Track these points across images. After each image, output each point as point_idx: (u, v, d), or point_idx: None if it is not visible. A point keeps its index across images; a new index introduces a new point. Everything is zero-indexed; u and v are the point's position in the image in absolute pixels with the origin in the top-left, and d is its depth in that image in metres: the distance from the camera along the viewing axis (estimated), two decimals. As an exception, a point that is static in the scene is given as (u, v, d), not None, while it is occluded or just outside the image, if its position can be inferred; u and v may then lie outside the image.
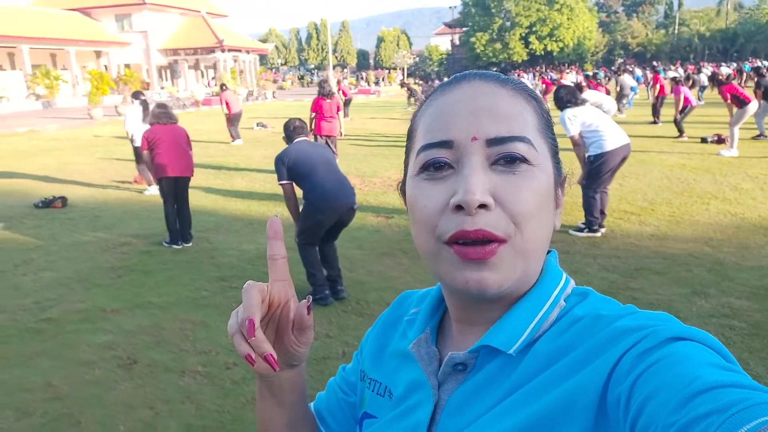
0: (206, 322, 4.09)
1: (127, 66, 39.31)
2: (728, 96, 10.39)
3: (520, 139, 0.56)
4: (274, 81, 50.78)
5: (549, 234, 0.60)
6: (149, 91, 33.52)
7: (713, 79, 10.69)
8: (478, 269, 0.55)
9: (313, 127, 9.56)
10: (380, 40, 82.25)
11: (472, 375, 0.60)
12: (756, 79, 13.35)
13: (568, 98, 5.58)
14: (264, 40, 74.55)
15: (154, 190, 8.20)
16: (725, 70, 21.73)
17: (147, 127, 8.20)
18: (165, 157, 5.76)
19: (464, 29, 71.20)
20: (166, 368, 3.46)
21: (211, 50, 41.99)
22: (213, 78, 38.53)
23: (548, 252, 0.64)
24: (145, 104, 8.35)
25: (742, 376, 0.43)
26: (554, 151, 0.62)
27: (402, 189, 0.66)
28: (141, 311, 4.31)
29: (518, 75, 28.82)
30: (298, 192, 4.28)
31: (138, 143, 8.17)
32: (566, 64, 58.64)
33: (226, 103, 14.07)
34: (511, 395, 0.55)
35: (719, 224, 6.07)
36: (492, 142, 0.56)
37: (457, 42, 76.46)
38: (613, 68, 35.03)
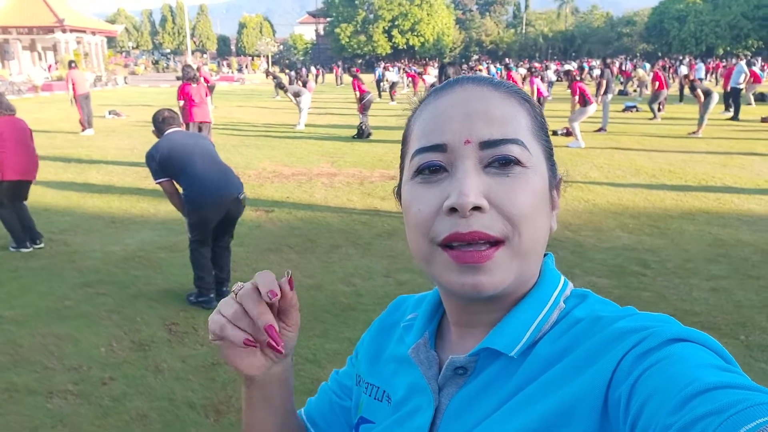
0: (73, 334, 3.67)
1: (-56, 43, 34.10)
2: (577, 92, 11.41)
3: (513, 142, 0.57)
4: (126, 66, 47.02)
5: (546, 235, 0.60)
6: (-26, 73, 29.46)
7: (567, 74, 11.72)
8: (473, 273, 0.55)
9: (184, 115, 8.98)
10: (242, 26, 79.41)
11: (473, 378, 0.60)
12: (685, 83, 14.89)
13: None
14: (112, 21, 68.51)
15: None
16: (568, 67, 24.04)
17: None
18: (10, 156, 5.03)
19: (328, 19, 71.14)
20: (30, 390, 3.05)
21: (50, 30, 37.70)
22: (56, 63, 34.65)
23: (545, 255, 0.65)
24: None
25: (741, 377, 0.45)
26: (549, 154, 0.63)
27: (398, 194, 0.66)
28: (-10, 327, 3.76)
29: (384, 68, 29.38)
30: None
31: None
32: (427, 59, 60.96)
33: (72, 83, 12.76)
34: (512, 398, 0.55)
35: (576, 210, 6.67)
36: (485, 144, 0.56)
37: (321, 32, 76.22)
38: (470, 64, 37.21)
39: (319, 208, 6.73)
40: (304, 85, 17.36)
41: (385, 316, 0.79)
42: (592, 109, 11.36)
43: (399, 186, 0.65)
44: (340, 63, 48.77)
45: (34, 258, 5.09)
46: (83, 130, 13.06)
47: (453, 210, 0.54)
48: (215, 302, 4.10)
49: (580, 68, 29.71)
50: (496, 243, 0.55)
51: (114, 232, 5.83)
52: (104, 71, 38.54)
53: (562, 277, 0.64)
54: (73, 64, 13.55)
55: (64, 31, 37.67)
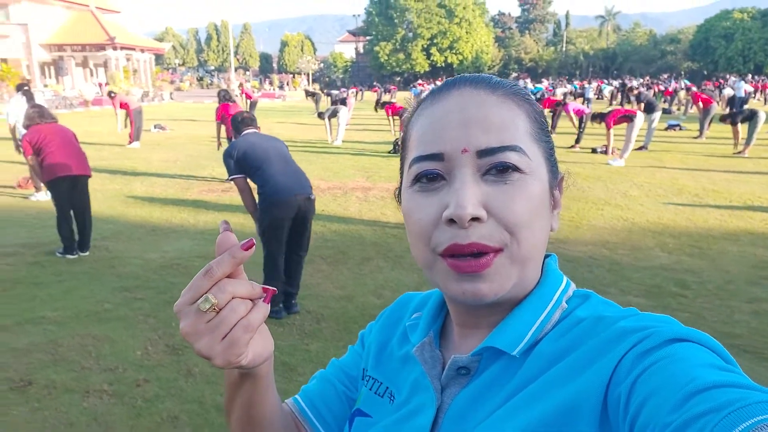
0: (111, 336, 3.79)
1: (4, 61, 35.92)
2: (613, 122, 11.17)
3: (511, 149, 0.56)
4: (172, 82, 48.62)
5: (545, 238, 0.60)
6: (31, 88, 30.86)
7: (596, 117, 11.40)
8: (472, 281, 0.55)
9: (226, 131, 9.24)
10: (284, 44, 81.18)
11: (475, 378, 0.60)
12: (632, 95, 14.60)
13: None
14: (160, 39, 71.14)
15: (42, 196, 7.53)
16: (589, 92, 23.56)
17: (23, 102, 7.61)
18: (58, 155, 5.26)
19: (368, 38, 72.09)
20: (67, 389, 3.15)
21: (101, 47, 39.36)
22: (106, 84, 36.03)
23: (548, 256, 0.65)
24: (29, 95, 7.81)
25: (740, 377, 0.45)
26: (549, 154, 0.62)
27: (398, 196, 0.66)
28: (33, 327, 3.91)
29: (421, 85, 29.56)
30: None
31: (12, 120, 7.62)
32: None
33: (122, 104, 13.39)
34: (514, 397, 0.56)
35: (614, 228, 6.53)
36: (482, 153, 0.56)
37: (361, 50, 77.24)
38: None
39: (353, 221, 6.79)
40: (343, 103, 17.62)
41: (392, 309, 0.79)
42: (640, 118, 11.10)
43: (399, 189, 0.66)
44: (376, 83, 48.78)
45: (78, 263, 5.28)
46: (130, 143, 13.54)
47: (452, 221, 0.54)
48: (284, 313, 4.15)
49: (622, 86, 29.20)
50: (493, 251, 0.55)
51: (154, 240, 6.00)
52: (151, 87, 39.94)
53: (565, 278, 0.65)
54: (113, 94, 14.41)
55: (114, 48, 39.26)
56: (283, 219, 3.99)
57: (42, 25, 38.61)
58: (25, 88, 8.11)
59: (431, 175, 0.57)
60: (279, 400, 0.71)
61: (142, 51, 43.50)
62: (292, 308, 4.22)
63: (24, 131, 6.86)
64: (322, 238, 6.05)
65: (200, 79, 63.74)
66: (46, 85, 35.70)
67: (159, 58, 64.37)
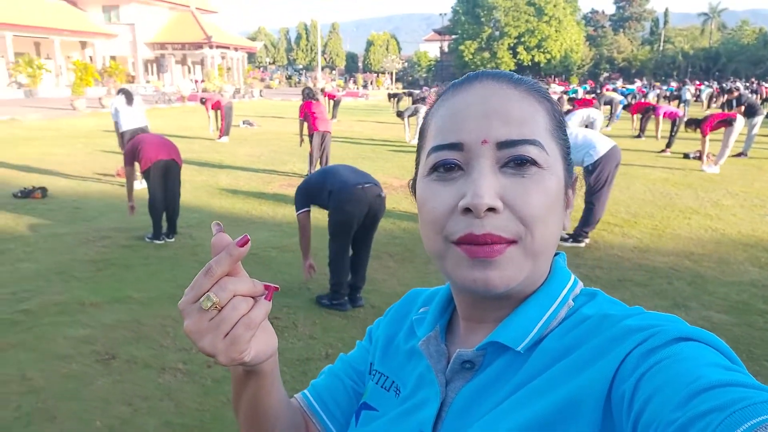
0: (187, 319, 4.03)
1: (113, 58, 38.81)
2: (710, 129, 10.46)
3: (530, 143, 0.57)
4: (262, 80, 50.55)
5: (558, 235, 0.60)
6: (135, 84, 33.15)
7: (691, 123, 10.69)
8: (484, 268, 0.55)
9: (309, 127, 9.52)
10: (369, 43, 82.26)
11: (480, 373, 0.61)
12: (730, 97, 13.58)
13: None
14: (253, 39, 74.10)
15: (138, 185, 8.11)
16: (686, 94, 21.98)
17: (131, 111, 8.25)
18: (150, 148, 5.68)
19: (453, 37, 71.58)
20: (146, 364, 3.40)
21: (199, 46, 41.65)
22: (202, 81, 38.09)
23: (557, 254, 0.65)
24: (128, 95, 8.51)
25: (746, 376, 0.44)
26: (566, 153, 0.62)
27: (413, 187, 0.67)
28: (120, 306, 4.23)
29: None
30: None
31: (122, 128, 8.25)
32: (552, 76, 59.22)
33: (214, 105, 14.29)
34: (517, 392, 0.56)
35: (700, 239, 6.15)
36: (502, 145, 0.56)
37: (446, 49, 76.88)
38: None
39: (424, 220, 6.79)
40: (423, 102, 17.63)
41: (400, 305, 0.80)
42: (740, 121, 10.35)
43: (414, 180, 0.66)
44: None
45: (163, 248, 5.65)
46: (219, 138, 14.25)
47: (467, 210, 0.55)
48: (348, 306, 4.26)
49: (722, 88, 27.25)
50: (508, 243, 0.56)
51: (235, 230, 6.30)
52: (243, 84, 41.75)
53: (572, 276, 0.64)
54: (203, 99, 15.13)
55: (211, 47, 41.41)
56: (353, 215, 4.06)
57: (147, 24, 41.38)
58: (124, 88, 8.87)
59: (449, 164, 0.58)
60: (286, 395, 0.72)
61: (236, 50, 45.60)
62: (357, 302, 4.31)
63: (123, 128, 7.74)
64: (390, 235, 6.11)
65: (289, 78, 65.84)
66: (148, 81, 38.28)
67: (251, 56, 67.13)
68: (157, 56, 43.24)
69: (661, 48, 78.62)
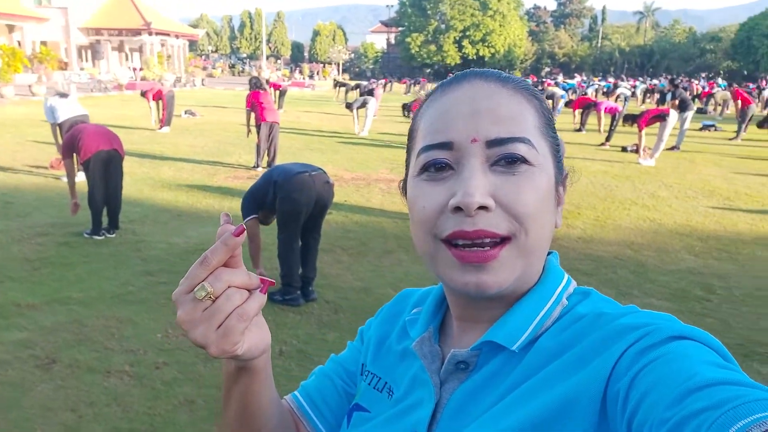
0: (133, 319, 3.87)
1: (44, 43, 36.75)
2: (645, 124, 10.90)
3: (520, 140, 0.56)
4: (204, 68, 49.18)
5: (551, 232, 0.60)
6: (68, 71, 31.56)
7: (627, 119, 11.12)
8: (476, 272, 0.55)
9: (256, 118, 9.32)
10: (316, 33, 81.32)
11: (474, 373, 0.60)
12: (671, 90, 14.22)
13: None
14: (195, 26, 71.95)
15: (82, 176, 7.75)
16: (623, 90, 22.91)
17: (67, 102, 7.82)
18: (91, 137, 5.42)
19: (400, 29, 71.70)
20: (90, 368, 3.24)
21: (137, 32, 40.03)
22: (140, 69, 36.61)
23: (550, 253, 0.65)
24: (62, 94, 8.18)
25: (740, 375, 0.44)
26: (555, 150, 0.62)
27: (403, 188, 0.66)
28: (60, 307, 4.02)
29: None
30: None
31: (58, 119, 7.81)
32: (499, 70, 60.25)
33: (155, 95, 13.77)
34: (513, 392, 0.56)
35: (640, 229, 6.42)
36: (492, 143, 0.56)
37: (392, 41, 76.95)
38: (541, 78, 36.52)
39: (375, 213, 6.79)
40: (371, 94, 17.59)
41: (391, 305, 0.79)
42: (673, 116, 10.83)
43: (404, 181, 0.66)
44: (406, 79, 48.20)
45: (104, 245, 5.40)
46: (160, 128, 13.76)
47: (458, 209, 0.54)
48: (301, 300, 4.17)
49: (659, 89, 28.45)
50: (501, 241, 0.55)
51: (179, 225, 6.10)
52: (184, 73, 40.45)
53: (566, 275, 0.65)
54: (143, 92, 14.62)
55: (150, 33, 39.87)
56: (301, 203, 4.00)
57: (81, 9, 39.39)
58: (59, 90, 8.46)
59: (439, 164, 0.57)
60: (278, 396, 0.71)
61: (177, 37, 44.09)
62: (310, 295, 4.24)
63: (59, 118, 7.33)
64: (343, 229, 6.07)
65: (232, 67, 64.35)
66: (82, 69, 36.46)
67: (193, 44, 65.15)
68: (92, 42, 41.24)
69: (599, 44, 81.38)
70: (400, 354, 0.70)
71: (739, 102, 14.67)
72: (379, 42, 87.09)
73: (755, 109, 14.94)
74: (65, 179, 7.90)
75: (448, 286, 0.59)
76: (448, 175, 0.57)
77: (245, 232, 0.53)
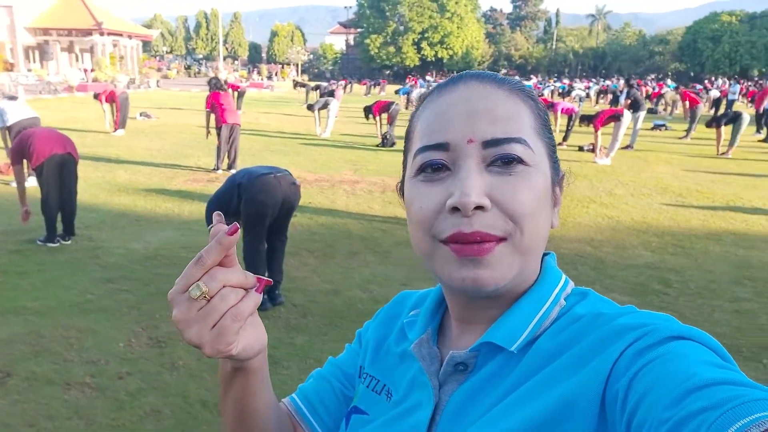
0: (93, 328, 3.74)
1: (-13, 43, 35.22)
2: (601, 125, 11.20)
3: (516, 141, 0.57)
4: (159, 69, 48.08)
5: (547, 232, 0.61)
6: (14, 72, 30.36)
7: (583, 119, 11.45)
8: (473, 267, 0.55)
9: (216, 119, 9.14)
10: (274, 34, 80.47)
11: (473, 375, 0.60)
12: (624, 89, 14.64)
13: None
14: (148, 26, 70.17)
15: (32, 181, 7.44)
16: (579, 91, 23.57)
17: (16, 104, 7.48)
18: (43, 142, 5.21)
19: (359, 30, 71.73)
20: (49, 381, 3.11)
21: (88, 32, 38.78)
22: (92, 70, 35.47)
23: (547, 253, 0.66)
24: (11, 97, 7.80)
25: (738, 375, 0.45)
26: (551, 151, 0.63)
27: (400, 189, 0.66)
28: (15, 318, 3.85)
29: (412, 86, 29.32)
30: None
31: (7, 122, 7.46)
32: (455, 72, 61.08)
33: (108, 97, 13.33)
34: (512, 393, 0.56)
35: (599, 226, 6.59)
36: (488, 143, 0.56)
37: (351, 42, 76.87)
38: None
39: (340, 215, 6.77)
40: (331, 95, 17.52)
41: (389, 308, 0.79)
42: (627, 116, 11.16)
43: (402, 182, 0.66)
44: (366, 81, 48.12)
45: (60, 252, 5.21)
46: (115, 130, 13.36)
47: (455, 209, 0.55)
48: (268, 304, 4.08)
49: (612, 92, 29.28)
50: (498, 240, 0.55)
51: (138, 230, 5.94)
52: (138, 74, 39.43)
53: (564, 275, 0.65)
54: (96, 95, 14.11)
55: (101, 34, 38.70)
56: (267, 204, 3.94)
57: (27, 7, 37.90)
58: (8, 94, 8.16)
59: (436, 165, 0.58)
60: (275, 398, 0.70)
61: (130, 37, 42.94)
62: (277, 299, 4.18)
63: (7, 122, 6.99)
64: (308, 231, 6.02)
65: (188, 68, 63.08)
66: (30, 70, 35.09)
67: (146, 45, 63.55)
68: (40, 42, 39.75)
69: (554, 47, 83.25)
70: (399, 356, 0.70)
71: (687, 103, 15.25)
72: (338, 43, 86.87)
73: (703, 109, 15.54)
74: (15, 185, 7.62)
75: (446, 284, 0.59)
76: (444, 176, 0.57)
77: (238, 231, 0.53)
